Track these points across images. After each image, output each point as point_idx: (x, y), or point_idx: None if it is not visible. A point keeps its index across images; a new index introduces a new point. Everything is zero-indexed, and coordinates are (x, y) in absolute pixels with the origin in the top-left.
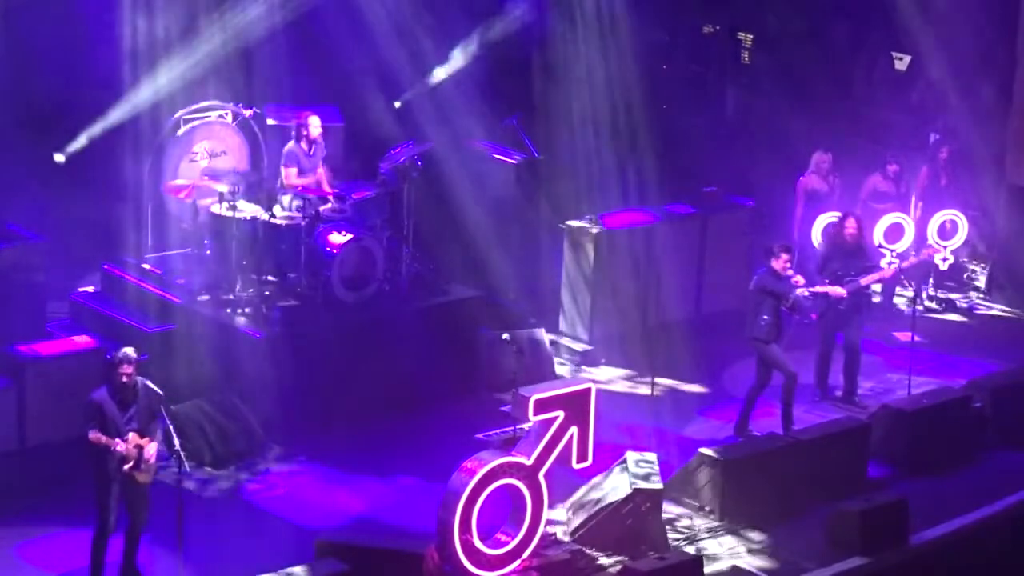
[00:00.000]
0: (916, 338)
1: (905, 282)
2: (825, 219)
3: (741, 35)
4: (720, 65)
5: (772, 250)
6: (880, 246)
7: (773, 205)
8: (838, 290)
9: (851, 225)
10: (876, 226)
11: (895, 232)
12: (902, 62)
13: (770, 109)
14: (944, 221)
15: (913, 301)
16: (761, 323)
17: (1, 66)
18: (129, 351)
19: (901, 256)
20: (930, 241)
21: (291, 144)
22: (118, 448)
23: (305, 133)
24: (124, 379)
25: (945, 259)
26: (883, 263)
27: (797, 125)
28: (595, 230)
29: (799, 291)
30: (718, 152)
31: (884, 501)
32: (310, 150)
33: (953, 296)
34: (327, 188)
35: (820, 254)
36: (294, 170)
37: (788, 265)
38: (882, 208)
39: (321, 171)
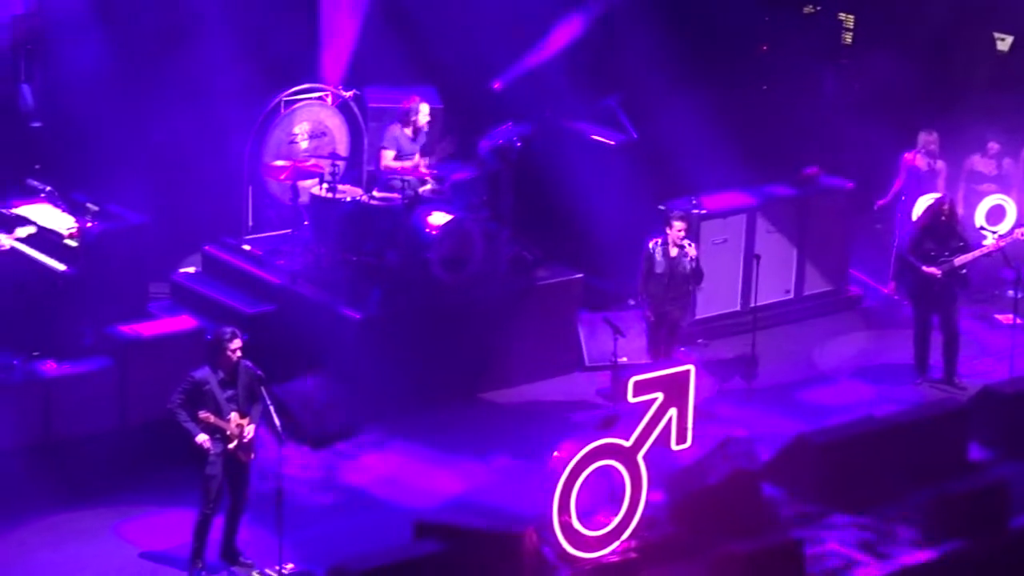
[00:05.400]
0: (1018, 320)
1: (1008, 263)
2: (926, 200)
3: (842, 16)
4: (821, 46)
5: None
6: (982, 228)
7: (874, 187)
8: (932, 271)
9: (944, 207)
10: (977, 208)
11: (997, 214)
12: (1004, 43)
13: (871, 90)
14: None
15: (1015, 283)
16: None
17: (105, 48)
18: (234, 330)
19: (1001, 237)
20: None
21: (395, 128)
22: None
23: (413, 119)
24: (235, 356)
25: None
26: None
27: (898, 106)
28: (694, 212)
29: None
30: (818, 134)
31: (984, 485)
32: (414, 136)
33: None
34: (423, 171)
35: (912, 235)
36: (392, 153)
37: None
38: (983, 189)
39: (418, 159)
